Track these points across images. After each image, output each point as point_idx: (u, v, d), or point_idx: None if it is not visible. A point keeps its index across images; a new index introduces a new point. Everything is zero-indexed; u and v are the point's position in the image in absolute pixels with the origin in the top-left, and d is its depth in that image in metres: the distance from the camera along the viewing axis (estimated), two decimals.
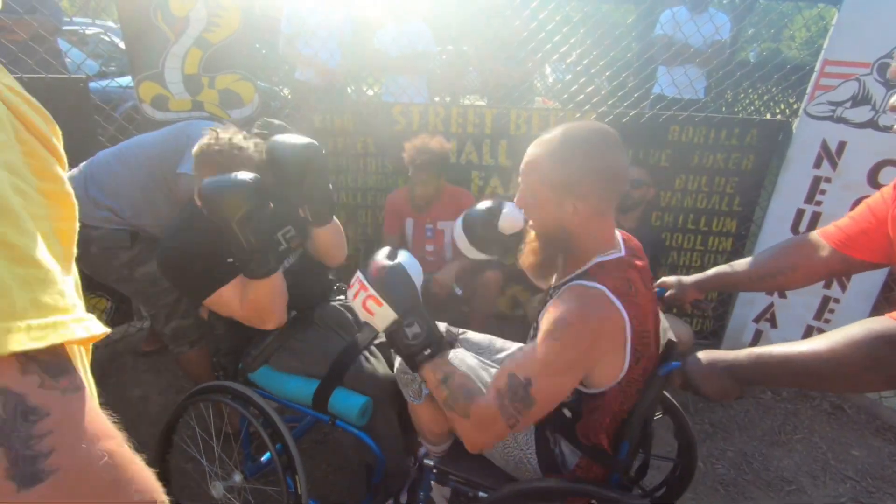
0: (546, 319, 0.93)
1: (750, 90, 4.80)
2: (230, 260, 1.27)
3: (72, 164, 1.73)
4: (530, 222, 1.05)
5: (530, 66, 3.38)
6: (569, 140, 0.94)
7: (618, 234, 1.05)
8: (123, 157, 1.74)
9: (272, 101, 3.16)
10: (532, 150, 0.99)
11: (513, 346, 1.41)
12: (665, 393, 1.30)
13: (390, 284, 0.96)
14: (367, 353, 1.40)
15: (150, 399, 2.12)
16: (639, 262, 1.05)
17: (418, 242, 2.37)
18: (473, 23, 3.63)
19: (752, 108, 5.19)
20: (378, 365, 1.39)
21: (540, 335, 0.92)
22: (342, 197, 2.69)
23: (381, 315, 0.96)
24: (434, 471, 1.22)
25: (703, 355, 0.97)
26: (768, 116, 4.88)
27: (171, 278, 1.36)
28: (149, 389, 2.18)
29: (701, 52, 2.60)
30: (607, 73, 2.47)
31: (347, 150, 2.60)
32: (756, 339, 2.43)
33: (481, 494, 1.18)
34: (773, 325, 2.39)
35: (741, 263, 1.26)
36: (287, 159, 1.27)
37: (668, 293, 1.34)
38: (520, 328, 2.52)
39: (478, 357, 1.31)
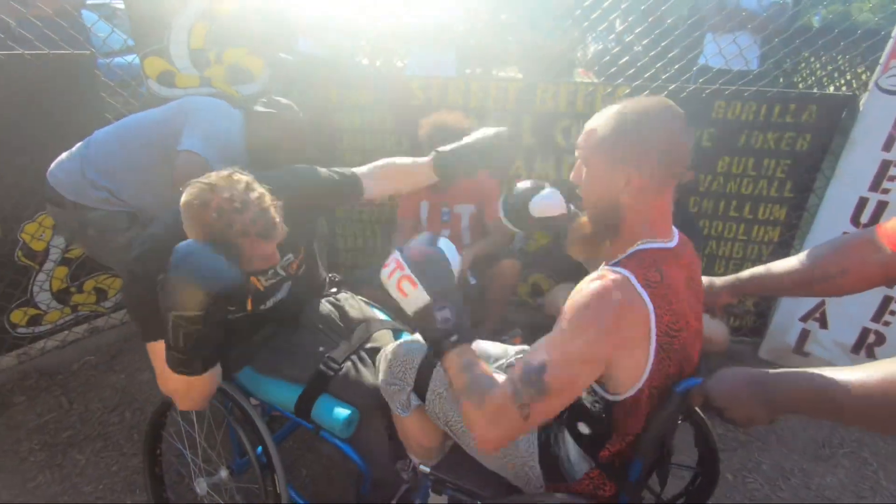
0: (565, 305, 0.88)
1: (812, 59, 4.34)
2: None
3: (77, 142, 1.70)
4: (580, 200, 1.01)
5: (576, 35, 3.13)
6: (628, 110, 0.91)
7: (675, 230, 0.98)
8: (122, 137, 1.68)
9: (295, 78, 3.06)
10: (590, 121, 0.96)
11: (511, 350, 1.30)
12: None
13: (427, 268, 0.95)
14: (355, 358, 1.31)
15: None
16: (688, 261, 0.97)
17: (433, 227, 2.24)
18: None
19: (813, 79, 4.70)
20: (366, 372, 1.29)
21: (558, 321, 0.88)
22: None
23: (413, 297, 0.94)
24: (430, 478, 1.14)
25: (731, 374, 0.85)
26: (831, 90, 4.41)
27: (129, 305, 1.22)
28: None
29: (755, 16, 2.30)
30: (644, 42, 2.22)
31: (364, 127, 2.48)
32: (802, 340, 2.21)
33: None
34: (823, 325, 2.15)
35: (782, 265, 1.08)
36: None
37: None
38: (537, 317, 2.41)
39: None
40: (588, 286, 0.86)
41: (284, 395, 1.28)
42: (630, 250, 0.92)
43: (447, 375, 0.94)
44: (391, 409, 1.18)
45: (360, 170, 1.45)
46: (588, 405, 0.96)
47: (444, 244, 1.01)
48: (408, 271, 0.94)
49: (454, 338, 0.92)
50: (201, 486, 1.32)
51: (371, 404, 1.24)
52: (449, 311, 0.92)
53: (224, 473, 1.34)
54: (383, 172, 1.45)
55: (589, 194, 0.97)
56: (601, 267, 0.93)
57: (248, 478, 1.42)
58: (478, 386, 0.88)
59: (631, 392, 0.88)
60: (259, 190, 1.09)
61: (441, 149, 1.38)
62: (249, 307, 1.30)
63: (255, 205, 1.06)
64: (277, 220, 1.10)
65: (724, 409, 0.84)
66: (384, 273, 0.98)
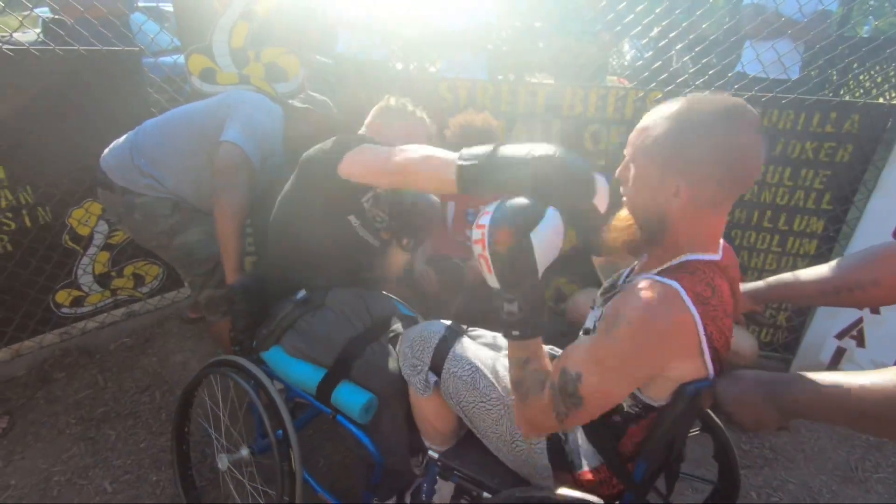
0: (606, 315, 0.84)
1: (858, 68, 4.17)
2: (349, 218, 1.38)
3: (123, 134, 1.79)
4: (624, 200, 0.93)
5: (607, 39, 3.10)
6: (692, 110, 0.79)
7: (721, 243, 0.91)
8: (168, 127, 1.77)
9: (330, 77, 3.14)
10: (645, 118, 0.86)
11: None
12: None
13: (506, 258, 0.84)
14: (377, 346, 1.33)
15: (189, 366, 2.21)
16: (732, 270, 0.92)
17: (458, 227, 2.26)
18: None
19: (862, 90, 4.51)
20: (388, 360, 1.31)
21: (600, 326, 0.84)
22: None
23: (489, 278, 0.88)
24: (438, 464, 1.16)
25: (741, 375, 0.83)
26: (881, 100, 4.22)
27: (330, 142, 1.29)
28: (190, 356, 2.27)
29: (795, 23, 2.24)
30: (678, 47, 2.19)
31: None
32: (837, 359, 2.12)
33: (486, 495, 1.10)
34: (861, 343, 2.06)
35: (809, 273, 1.03)
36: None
37: None
38: (559, 323, 2.38)
39: (492, 350, 1.22)
40: (634, 296, 0.81)
41: (308, 377, 1.32)
42: (676, 260, 0.86)
43: (509, 361, 0.92)
44: (411, 390, 1.19)
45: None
46: (625, 406, 0.94)
47: (540, 234, 0.84)
48: (486, 251, 0.85)
49: (515, 333, 0.88)
50: (223, 462, 1.37)
51: (391, 392, 1.26)
52: (517, 305, 0.86)
53: (245, 452, 1.38)
54: (394, 165, 1.14)
55: (633, 198, 0.90)
56: (645, 275, 0.86)
57: (267, 458, 1.46)
58: (525, 385, 0.88)
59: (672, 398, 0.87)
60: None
61: (467, 155, 1.04)
62: (369, 217, 1.41)
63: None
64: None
65: (733, 411, 0.82)
66: (474, 235, 0.87)
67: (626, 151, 0.89)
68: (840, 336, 2.09)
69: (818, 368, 2.17)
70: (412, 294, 1.85)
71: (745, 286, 1.12)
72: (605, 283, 1.07)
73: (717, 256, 0.88)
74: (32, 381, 2.08)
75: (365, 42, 2.83)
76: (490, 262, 0.85)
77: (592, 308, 1.07)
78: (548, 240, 0.85)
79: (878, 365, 2.06)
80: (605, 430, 0.97)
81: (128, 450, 1.80)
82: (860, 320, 2.04)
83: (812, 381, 0.75)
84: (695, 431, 1.24)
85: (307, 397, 1.34)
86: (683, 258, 0.86)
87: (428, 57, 3.75)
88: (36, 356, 2.15)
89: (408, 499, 1.33)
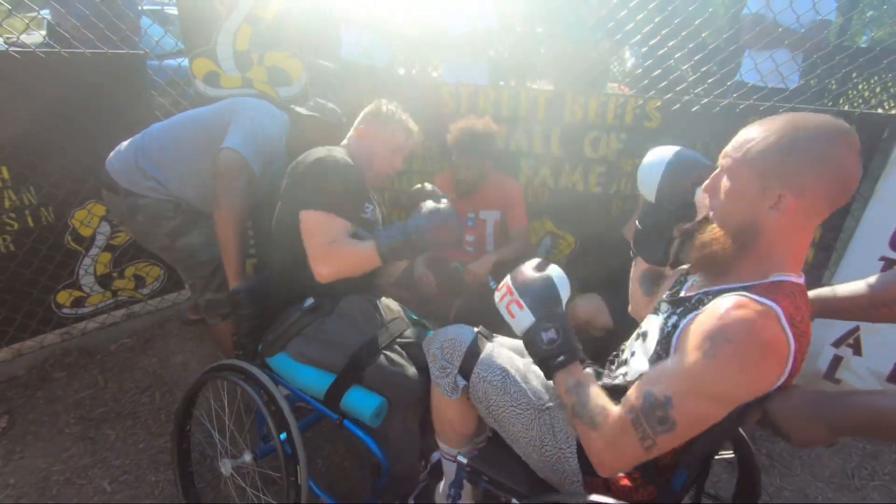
0: (694, 332, 0.81)
1: (857, 79, 4.20)
2: (364, 216, 1.45)
3: (128, 137, 1.81)
4: (710, 213, 0.92)
5: (608, 47, 3.12)
6: (798, 125, 0.80)
7: None
8: (173, 131, 1.79)
9: (333, 81, 3.16)
10: (745, 131, 0.86)
11: None
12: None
13: (532, 290, 1.00)
14: (388, 352, 1.34)
15: (189, 367, 2.21)
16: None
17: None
18: (547, 1, 3.41)
19: (861, 100, 4.54)
20: (399, 365, 1.31)
21: (688, 349, 0.80)
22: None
23: (520, 318, 1.00)
24: (467, 469, 1.17)
25: (793, 391, 0.82)
26: (880, 111, 4.25)
27: (317, 175, 1.35)
28: (190, 357, 2.27)
29: (793, 33, 2.26)
30: (677, 55, 2.21)
31: None
32: (834, 367, 2.13)
33: (514, 502, 1.10)
34: (857, 352, 2.07)
35: (846, 288, 1.01)
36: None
37: None
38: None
39: (522, 355, 1.24)
40: (731, 313, 0.78)
41: (316, 382, 1.32)
42: (766, 279, 0.84)
43: (559, 395, 0.97)
44: (436, 392, 1.20)
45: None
46: None
47: (555, 270, 1.05)
48: (516, 295, 1.00)
49: (561, 358, 0.94)
50: (226, 467, 1.37)
51: (403, 399, 1.27)
52: (554, 332, 0.95)
53: (248, 457, 1.38)
54: (326, 253, 1.31)
55: (725, 211, 0.87)
56: (737, 294, 0.82)
57: (270, 464, 1.46)
58: (588, 406, 0.88)
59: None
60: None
61: (383, 247, 1.29)
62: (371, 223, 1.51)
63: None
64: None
65: (784, 427, 0.82)
66: (497, 296, 1.06)
67: (721, 162, 0.88)
68: (837, 344, 2.10)
69: (815, 376, 2.18)
70: (411, 297, 1.86)
71: None
72: (669, 291, 1.04)
73: (801, 279, 0.86)
74: (33, 381, 2.09)
75: (368, 47, 2.86)
76: (520, 298, 0.99)
77: (655, 314, 1.02)
78: (561, 274, 1.05)
79: (875, 373, 2.07)
80: None
81: (127, 450, 1.81)
82: (857, 328, 2.05)
83: (863, 398, 0.76)
84: (728, 454, 1.23)
85: (312, 402, 1.34)
86: (775, 278, 0.83)
87: (430, 62, 3.78)
88: (37, 356, 2.16)
89: (411, 502, 1.34)
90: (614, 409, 0.85)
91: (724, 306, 0.80)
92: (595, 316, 1.95)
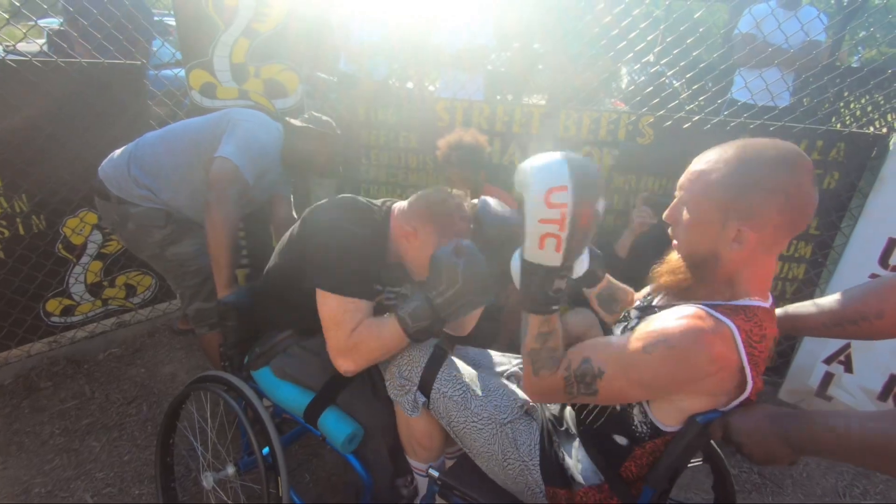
0: (652, 323, 0.85)
1: (850, 98, 4.27)
2: (378, 287, 1.27)
3: (122, 146, 1.81)
4: (675, 242, 0.92)
5: (600, 64, 3.16)
6: (754, 155, 0.80)
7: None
8: (167, 140, 1.79)
9: (331, 94, 3.18)
10: (702, 159, 0.85)
11: (515, 364, 1.30)
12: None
13: (584, 240, 0.84)
14: (365, 375, 1.31)
15: (178, 378, 2.19)
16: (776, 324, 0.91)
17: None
18: (545, 18, 3.45)
19: (852, 118, 4.60)
20: (377, 392, 1.29)
21: (636, 336, 0.84)
22: (381, 193, 2.65)
23: (547, 255, 0.85)
24: (438, 483, 1.16)
25: (756, 410, 0.83)
26: (871, 130, 4.30)
27: (317, 247, 1.18)
28: (178, 368, 2.25)
29: (783, 52, 2.29)
30: (669, 73, 2.24)
31: (389, 145, 2.56)
32: (825, 383, 2.13)
33: None
34: (848, 369, 2.07)
35: (814, 304, 1.02)
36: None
37: None
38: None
39: (481, 368, 1.23)
40: (685, 321, 0.80)
41: (296, 400, 1.31)
42: (734, 302, 0.85)
43: (526, 330, 0.93)
44: (398, 410, 1.19)
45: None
46: (634, 422, 0.94)
47: (601, 208, 0.87)
48: (565, 234, 0.82)
49: (554, 307, 0.90)
50: (208, 480, 1.35)
51: (376, 424, 1.25)
52: (567, 283, 0.91)
53: (231, 470, 1.37)
54: (347, 349, 1.14)
55: (687, 242, 0.88)
56: (700, 304, 0.84)
57: (253, 477, 1.44)
58: (541, 358, 0.92)
59: (683, 425, 0.88)
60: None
61: (412, 327, 1.10)
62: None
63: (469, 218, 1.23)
64: None
65: (744, 444, 0.82)
66: (542, 213, 0.82)
67: (677, 193, 0.89)
68: (828, 361, 2.10)
69: (807, 393, 2.17)
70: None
71: None
72: (640, 302, 1.07)
73: (768, 303, 0.87)
74: (19, 390, 2.06)
75: (364, 61, 2.89)
76: (565, 242, 0.82)
77: (625, 321, 1.06)
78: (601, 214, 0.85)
79: (865, 390, 2.06)
80: (610, 452, 0.98)
81: (111, 462, 1.78)
82: (848, 345, 2.05)
83: (823, 419, 0.75)
84: (697, 461, 1.24)
85: (297, 417, 1.33)
86: (740, 302, 0.85)
87: (428, 76, 3.81)
88: (23, 364, 2.14)
89: None
90: (555, 367, 0.91)
91: (684, 312, 0.83)
92: (587, 331, 1.95)
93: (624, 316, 1.08)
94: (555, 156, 0.83)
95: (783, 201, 0.78)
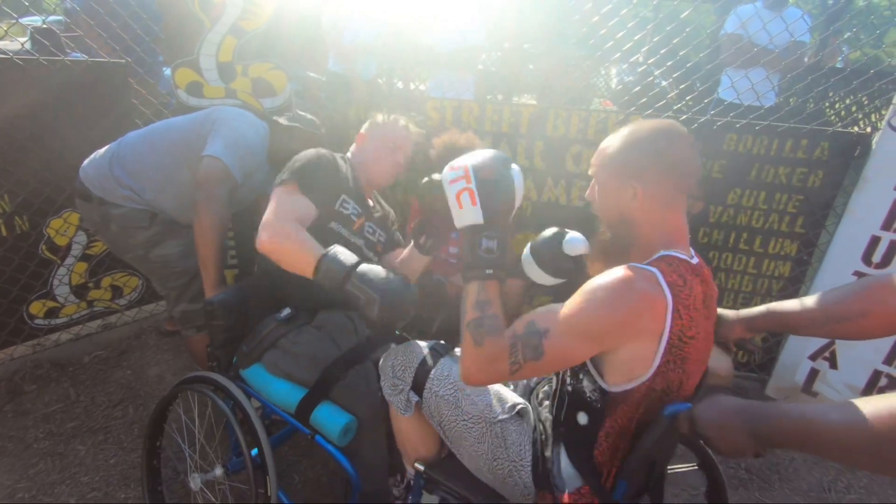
0: (585, 284, 0.89)
1: (835, 98, 4.33)
2: (332, 226, 1.41)
3: (106, 145, 1.78)
4: (598, 215, 1.04)
5: (589, 64, 3.18)
6: (636, 129, 0.97)
7: (693, 252, 1.00)
8: (150, 139, 1.77)
9: (321, 93, 3.17)
10: (603, 142, 1.02)
11: None
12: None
13: (493, 189, 0.93)
14: (360, 368, 1.32)
15: (164, 379, 2.17)
16: (708, 281, 0.98)
17: (442, 244, 2.28)
18: (533, 18, 3.47)
19: (838, 118, 4.66)
20: (371, 383, 1.30)
21: (576, 294, 0.89)
22: None
23: (468, 212, 0.93)
24: (424, 477, 1.17)
25: (720, 401, 0.84)
26: (855, 129, 4.37)
27: (291, 161, 1.42)
28: (165, 369, 2.23)
29: (768, 53, 2.32)
30: (657, 73, 2.26)
31: None
32: (811, 379, 2.15)
33: None
34: (833, 365, 2.10)
35: (800, 303, 1.04)
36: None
37: None
38: None
39: None
40: (614, 271, 0.88)
41: (288, 396, 1.30)
42: (655, 255, 0.94)
43: (466, 301, 0.93)
44: (392, 410, 1.19)
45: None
46: (587, 393, 0.96)
47: (516, 172, 0.98)
48: (473, 185, 0.92)
49: (489, 272, 0.92)
50: (195, 482, 1.34)
51: (372, 416, 1.25)
52: (496, 243, 0.93)
53: (219, 471, 1.35)
54: (274, 225, 1.25)
55: (602, 209, 1.02)
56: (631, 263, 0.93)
57: (241, 478, 1.43)
58: (483, 326, 0.90)
59: (629, 385, 0.90)
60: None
61: (330, 261, 1.17)
62: (355, 226, 1.48)
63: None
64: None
65: (711, 437, 0.83)
66: (449, 175, 0.95)
67: (590, 171, 1.04)
68: (813, 357, 2.13)
69: (793, 389, 2.20)
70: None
71: (734, 313, 1.12)
72: None
73: (690, 258, 0.95)
74: (1, 394, 2.03)
75: (353, 60, 2.88)
76: (476, 193, 0.92)
77: None
78: (520, 180, 0.99)
79: (850, 387, 2.10)
80: (580, 440, 0.99)
81: (97, 466, 1.76)
82: (832, 342, 2.08)
83: (789, 412, 0.76)
84: (691, 466, 1.25)
85: (286, 416, 1.32)
86: (658, 254, 0.93)
87: (418, 76, 3.81)
88: (6, 368, 2.10)
89: None
90: (499, 334, 0.90)
91: (613, 270, 0.90)
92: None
93: None
94: None
95: (661, 160, 0.93)
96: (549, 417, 1.13)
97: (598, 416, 0.95)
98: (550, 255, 1.16)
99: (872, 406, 0.68)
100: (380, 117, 1.64)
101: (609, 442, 0.95)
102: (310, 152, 1.44)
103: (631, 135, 0.97)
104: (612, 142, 0.99)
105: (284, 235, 1.21)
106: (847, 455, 0.72)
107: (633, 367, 0.89)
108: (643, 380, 0.88)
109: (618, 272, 0.88)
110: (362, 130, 1.66)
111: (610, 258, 0.99)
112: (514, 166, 1.00)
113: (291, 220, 1.25)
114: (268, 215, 1.25)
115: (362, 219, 1.52)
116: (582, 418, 0.98)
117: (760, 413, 0.79)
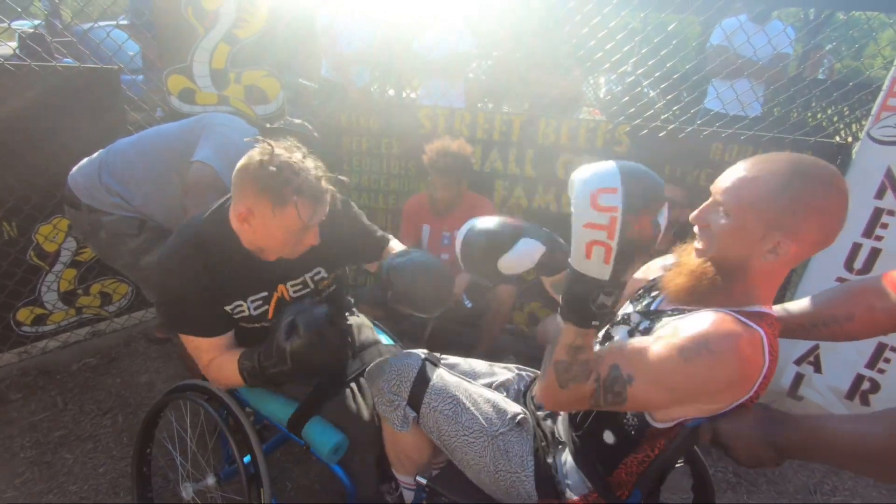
0: (681, 328, 0.82)
1: (817, 110, 4.44)
2: (227, 308, 1.19)
3: (97, 152, 1.78)
4: (699, 245, 0.90)
5: (577, 74, 3.23)
6: (805, 170, 0.81)
7: None
8: (140, 146, 1.77)
9: (313, 100, 3.18)
10: (748, 166, 0.84)
11: (501, 374, 1.31)
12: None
13: (637, 251, 0.78)
14: (353, 385, 1.32)
15: (154, 387, 2.15)
16: None
17: (433, 250, 2.29)
18: (522, 28, 3.51)
19: (820, 128, 4.77)
20: (364, 403, 1.29)
21: (668, 342, 0.82)
22: (362, 199, 2.66)
23: (595, 267, 0.78)
24: (426, 490, 1.15)
25: (742, 413, 0.85)
26: (837, 140, 4.48)
27: (159, 299, 1.31)
28: (155, 377, 2.21)
29: (752, 64, 2.38)
30: (645, 83, 2.31)
31: (371, 151, 2.57)
32: (796, 384, 2.19)
33: None
34: (818, 369, 2.14)
35: (787, 307, 1.05)
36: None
37: None
38: (530, 345, 2.41)
39: (463, 378, 1.22)
40: (720, 325, 0.80)
41: (279, 409, 1.30)
42: (750, 308, 0.86)
43: (559, 340, 0.88)
44: (387, 425, 1.17)
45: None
46: (624, 417, 0.94)
47: (663, 216, 0.81)
48: (614, 241, 0.75)
49: (594, 323, 0.85)
50: (187, 491, 1.33)
51: (363, 436, 1.24)
52: (613, 300, 0.83)
53: (211, 480, 1.34)
54: (208, 374, 1.27)
55: (721, 246, 0.87)
56: (725, 311, 0.84)
57: (234, 487, 1.42)
58: (570, 372, 0.87)
59: (675, 422, 0.88)
60: (316, 162, 1.15)
61: (243, 360, 1.18)
62: (270, 314, 1.25)
63: (311, 171, 1.11)
64: (328, 194, 1.15)
65: (732, 447, 0.84)
66: (586, 216, 0.76)
67: (718, 197, 0.86)
68: (798, 362, 2.17)
69: (779, 393, 2.24)
70: (385, 315, 1.86)
71: None
72: (634, 303, 1.05)
73: (772, 313, 0.89)
74: None
75: (345, 68, 2.89)
76: (614, 252, 0.76)
77: (625, 324, 1.02)
78: (664, 220, 0.79)
79: (834, 390, 2.14)
80: (599, 455, 0.98)
81: (85, 474, 1.73)
82: (817, 346, 2.12)
83: (810, 422, 0.78)
84: (678, 464, 1.27)
85: (279, 426, 1.32)
86: (758, 308, 0.86)
87: (410, 84, 3.84)
88: None
89: None
90: (585, 380, 0.86)
91: (715, 318, 0.81)
92: None
93: (623, 318, 1.04)
94: (607, 162, 0.78)
95: (826, 221, 0.81)
96: (551, 425, 1.14)
97: (630, 443, 0.94)
98: (477, 259, 1.04)
99: (886, 418, 0.71)
100: (268, 180, 1.08)
101: (641, 467, 0.95)
102: (160, 284, 1.24)
103: (795, 173, 0.80)
104: (768, 177, 0.81)
105: (217, 377, 1.24)
106: (863, 466, 0.74)
107: (691, 413, 0.86)
108: (693, 421, 0.87)
109: (724, 326, 0.80)
110: (245, 207, 1.12)
111: (698, 289, 0.89)
112: (662, 213, 0.79)
113: (210, 361, 1.22)
114: (199, 365, 1.26)
115: (274, 298, 1.28)
116: (609, 437, 0.96)
117: (782, 426, 0.81)
